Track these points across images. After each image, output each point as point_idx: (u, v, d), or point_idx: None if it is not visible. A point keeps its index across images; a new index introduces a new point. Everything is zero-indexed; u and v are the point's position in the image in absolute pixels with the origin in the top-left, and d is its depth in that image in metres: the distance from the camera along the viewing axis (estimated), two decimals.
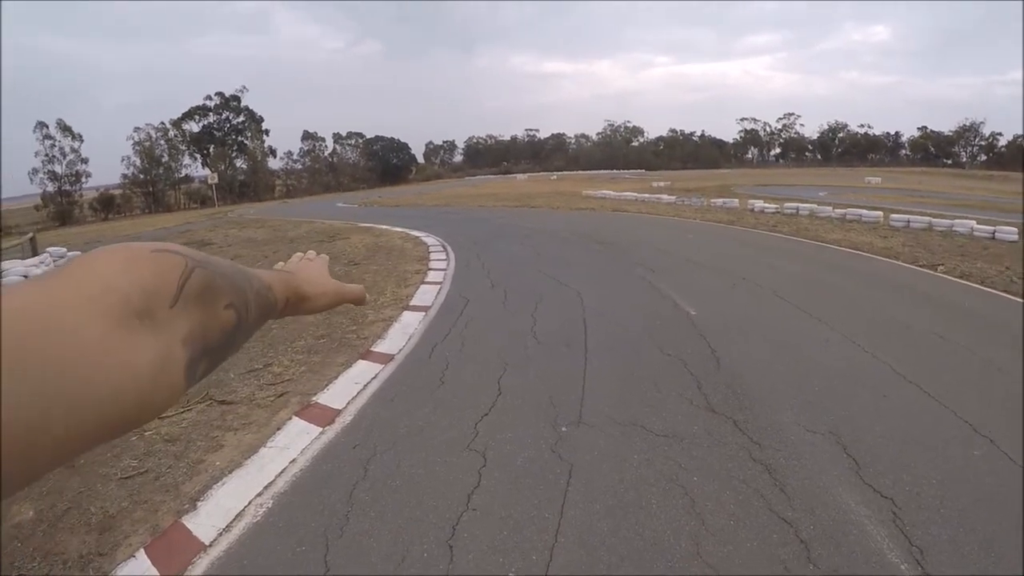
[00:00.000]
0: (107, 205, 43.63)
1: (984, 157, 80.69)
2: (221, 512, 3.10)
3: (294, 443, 3.82)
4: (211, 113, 54.47)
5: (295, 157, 62.01)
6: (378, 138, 69.81)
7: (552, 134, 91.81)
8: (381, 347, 5.70)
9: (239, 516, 3.06)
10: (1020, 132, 77.47)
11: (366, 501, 3.13)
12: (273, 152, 58.05)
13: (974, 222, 13.17)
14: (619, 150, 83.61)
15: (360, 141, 67.76)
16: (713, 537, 2.77)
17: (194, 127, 53.40)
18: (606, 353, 5.26)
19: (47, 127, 41.77)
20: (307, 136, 62.64)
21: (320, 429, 4.00)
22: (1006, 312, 6.72)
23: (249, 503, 3.17)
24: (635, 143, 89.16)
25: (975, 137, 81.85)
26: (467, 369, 5.02)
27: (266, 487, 3.32)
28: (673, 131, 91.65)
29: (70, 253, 13.39)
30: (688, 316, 6.34)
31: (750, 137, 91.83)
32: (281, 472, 3.46)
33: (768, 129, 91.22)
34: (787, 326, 6.03)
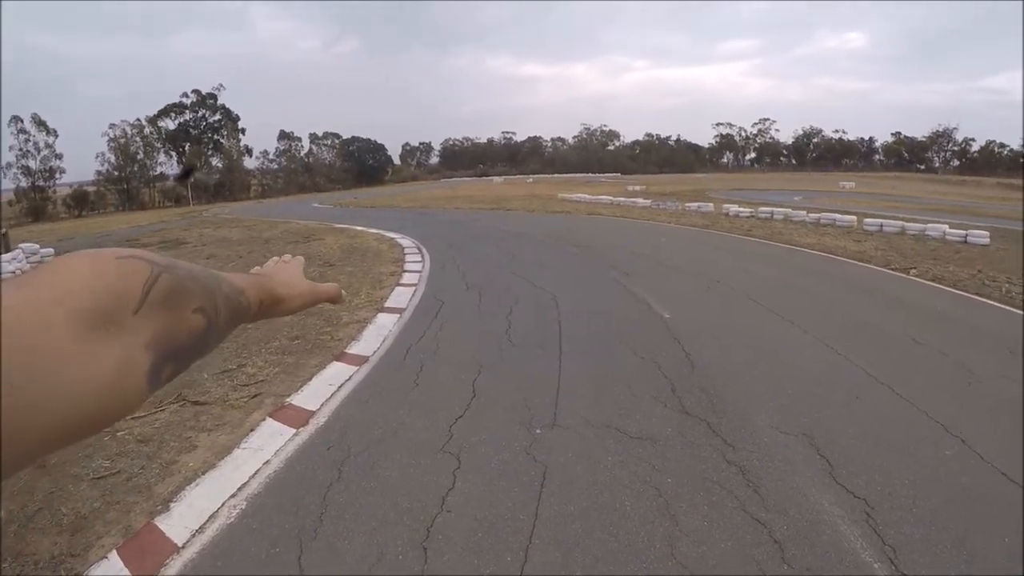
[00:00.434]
0: (81, 202, 42.54)
1: (957, 162, 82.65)
2: (194, 513, 3.10)
3: (268, 444, 3.82)
4: (187, 111, 53.56)
5: (271, 157, 61.53)
6: (354, 139, 69.37)
7: (529, 137, 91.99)
8: (355, 349, 5.72)
9: (212, 517, 3.06)
10: (991, 139, 79.88)
11: (340, 503, 3.15)
12: (249, 151, 57.47)
13: (946, 226, 13.50)
14: (595, 154, 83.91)
15: (336, 141, 67.29)
16: (687, 538, 2.82)
17: (170, 124, 52.55)
18: (581, 356, 5.35)
19: (22, 121, 40.91)
20: (283, 136, 62.16)
21: (294, 430, 4.01)
22: (978, 315, 6.96)
23: (223, 504, 3.17)
24: (611, 147, 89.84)
25: (948, 143, 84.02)
26: (442, 371, 5.07)
27: (240, 488, 3.32)
28: (649, 135, 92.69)
29: (43, 250, 13.08)
30: (662, 319, 6.47)
31: (725, 142, 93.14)
32: (255, 473, 3.47)
33: (743, 134, 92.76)
34: (761, 330, 6.17)
